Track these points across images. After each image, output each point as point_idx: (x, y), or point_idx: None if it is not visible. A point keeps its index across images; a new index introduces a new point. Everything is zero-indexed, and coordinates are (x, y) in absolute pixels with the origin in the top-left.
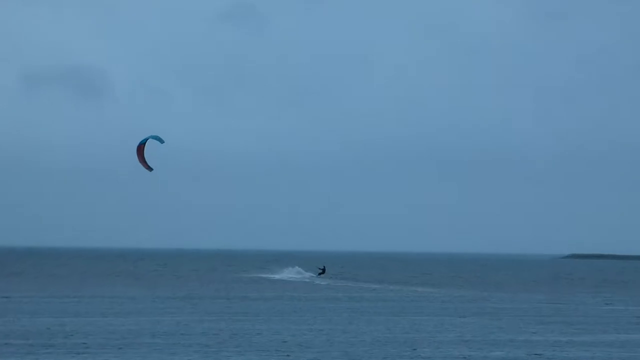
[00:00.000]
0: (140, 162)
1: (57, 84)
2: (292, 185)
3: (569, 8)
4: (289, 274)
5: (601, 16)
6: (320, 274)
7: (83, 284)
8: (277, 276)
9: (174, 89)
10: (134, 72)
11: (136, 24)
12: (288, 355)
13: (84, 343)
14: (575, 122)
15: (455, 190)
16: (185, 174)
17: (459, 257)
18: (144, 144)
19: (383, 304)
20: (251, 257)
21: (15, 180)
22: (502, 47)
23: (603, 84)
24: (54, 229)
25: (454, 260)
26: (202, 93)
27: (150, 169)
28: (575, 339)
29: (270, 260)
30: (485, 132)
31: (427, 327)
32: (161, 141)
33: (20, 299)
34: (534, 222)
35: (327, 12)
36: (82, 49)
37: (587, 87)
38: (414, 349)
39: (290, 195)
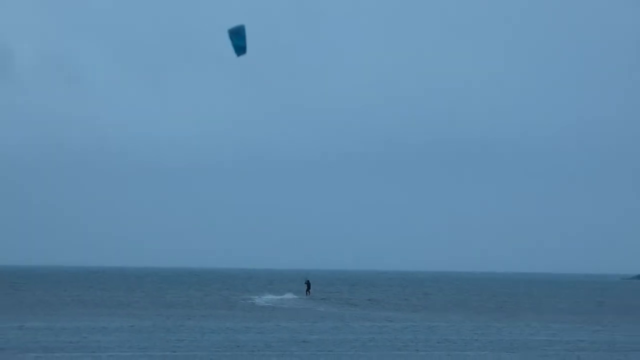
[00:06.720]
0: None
1: None
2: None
3: None
4: (273, 296)
5: None
6: (307, 290)
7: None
8: (258, 299)
9: (96, 66)
10: (43, 44)
11: None
12: None
13: None
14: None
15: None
16: (113, 174)
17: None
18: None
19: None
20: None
21: None
22: None
23: None
24: None
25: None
26: (135, 70)
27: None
28: None
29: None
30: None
31: None
32: (240, 50)
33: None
34: (600, 238)
35: None
36: None
37: None
38: None
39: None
